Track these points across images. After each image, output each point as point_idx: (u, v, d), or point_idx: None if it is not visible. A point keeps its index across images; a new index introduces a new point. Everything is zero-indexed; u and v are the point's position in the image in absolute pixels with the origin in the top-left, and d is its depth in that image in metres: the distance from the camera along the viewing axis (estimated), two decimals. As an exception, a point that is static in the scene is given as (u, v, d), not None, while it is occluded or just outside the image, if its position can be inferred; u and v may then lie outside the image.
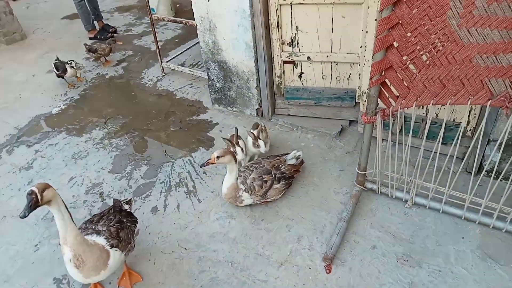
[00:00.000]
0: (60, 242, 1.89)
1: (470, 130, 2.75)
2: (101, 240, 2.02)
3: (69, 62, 4.21)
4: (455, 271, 2.18)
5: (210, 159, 2.47)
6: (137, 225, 2.32)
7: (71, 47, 5.25)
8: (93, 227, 2.08)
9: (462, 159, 2.78)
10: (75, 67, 4.20)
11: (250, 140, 2.97)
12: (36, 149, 3.46)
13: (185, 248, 2.48)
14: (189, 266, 2.37)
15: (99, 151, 3.38)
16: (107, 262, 1.99)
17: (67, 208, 1.85)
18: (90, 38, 5.47)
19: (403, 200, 2.58)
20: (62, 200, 1.84)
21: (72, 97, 4.17)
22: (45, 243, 2.58)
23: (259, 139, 2.91)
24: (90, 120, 3.79)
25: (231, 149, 2.64)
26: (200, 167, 2.51)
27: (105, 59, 4.79)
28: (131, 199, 2.49)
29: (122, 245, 2.09)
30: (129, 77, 4.52)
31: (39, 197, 1.69)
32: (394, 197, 2.60)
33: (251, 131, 2.96)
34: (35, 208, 1.70)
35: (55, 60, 4.27)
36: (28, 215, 1.67)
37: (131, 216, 2.30)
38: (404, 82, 2.06)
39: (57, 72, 4.20)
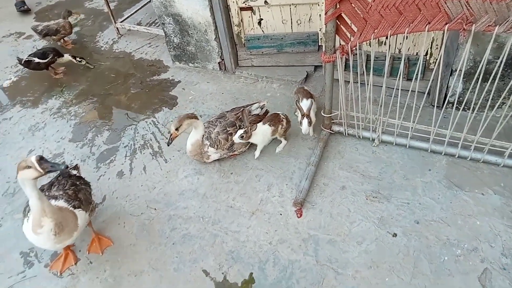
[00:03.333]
0: (31, 217, 1.82)
1: (433, 62, 2.71)
2: (62, 203, 1.96)
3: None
4: (422, 202, 2.21)
5: (171, 134, 2.39)
6: (91, 186, 2.26)
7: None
8: (46, 193, 2.00)
9: (429, 93, 2.76)
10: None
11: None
12: (-12, 125, 3.26)
13: (155, 209, 2.42)
14: (160, 226, 2.33)
15: (57, 121, 3.21)
16: (76, 223, 1.95)
17: None
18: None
19: (370, 139, 2.56)
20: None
21: (24, 68, 3.90)
22: (8, 218, 2.48)
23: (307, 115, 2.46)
24: (45, 90, 3.58)
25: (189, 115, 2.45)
26: (168, 145, 2.43)
27: (64, 39, 4.12)
28: (77, 164, 2.41)
29: (84, 205, 2.04)
30: (82, 42, 4.25)
31: None
32: (361, 137, 2.58)
33: (299, 103, 2.56)
34: None
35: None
36: None
37: (83, 179, 2.24)
38: (360, 13, 1.96)
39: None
